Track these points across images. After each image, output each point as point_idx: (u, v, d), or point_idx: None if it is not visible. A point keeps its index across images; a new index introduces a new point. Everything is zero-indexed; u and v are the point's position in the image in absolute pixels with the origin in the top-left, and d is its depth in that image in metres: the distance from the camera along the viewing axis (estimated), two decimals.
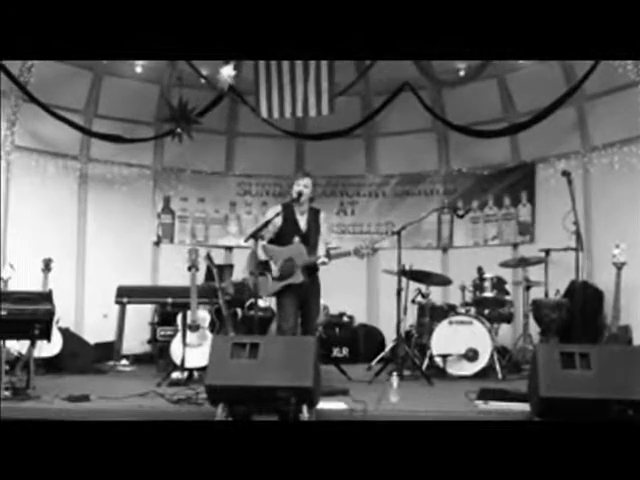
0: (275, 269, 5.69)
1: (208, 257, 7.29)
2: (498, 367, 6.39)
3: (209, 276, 7.66)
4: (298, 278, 5.68)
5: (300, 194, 5.76)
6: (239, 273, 8.17)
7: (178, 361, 6.03)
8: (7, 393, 4.85)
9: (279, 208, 5.88)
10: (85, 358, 7.13)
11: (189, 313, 6.26)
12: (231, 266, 8.51)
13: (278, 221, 5.80)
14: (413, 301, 7.13)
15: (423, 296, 7.13)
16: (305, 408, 4.02)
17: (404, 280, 6.65)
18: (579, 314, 6.14)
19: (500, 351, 6.79)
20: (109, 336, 7.89)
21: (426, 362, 6.54)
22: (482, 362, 6.44)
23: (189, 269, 6.33)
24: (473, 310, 6.89)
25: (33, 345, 5.32)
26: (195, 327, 6.24)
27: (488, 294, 7.01)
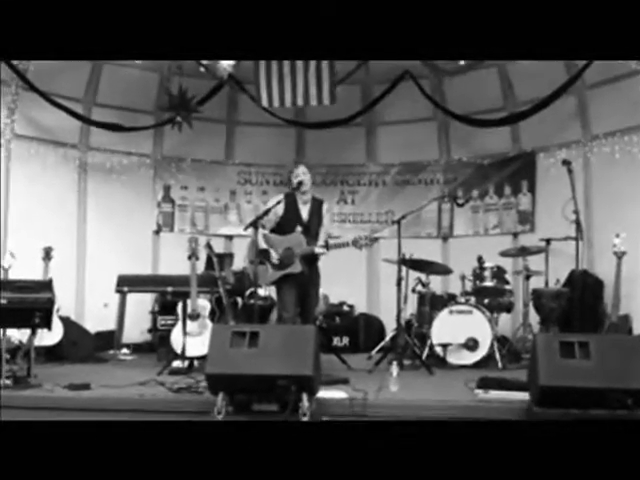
0: (274, 257, 5.71)
1: (208, 246, 7.30)
2: (498, 356, 6.39)
3: (209, 265, 7.66)
4: (297, 268, 5.69)
5: (301, 183, 5.78)
6: (239, 262, 8.18)
7: (178, 350, 6.05)
8: (8, 381, 4.87)
9: (281, 196, 5.89)
10: (86, 347, 7.15)
11: (189, 302, 6.27)
12: (231, 255, 8.51)
13: (280, 210, 5.82)
14: (413, 290, 7.14)
15: (423, 285, 7.13)
16: (305, 397, 4.03)
17: (404, 269, 6.65)
18: (579, 303, 6.15)
19: (500, 340, 6.79)
20: (110, 325, 7.91)
21: (426, 351, 6.55)
22: (482, 351, 6.45)
23: (189, 258, 6.33)
24: (473, 299, 6.89)
25: (34, 334, 5.33)
26: (195, 316, 6.24)
27: (488, 283, 7.00)
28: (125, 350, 7.73)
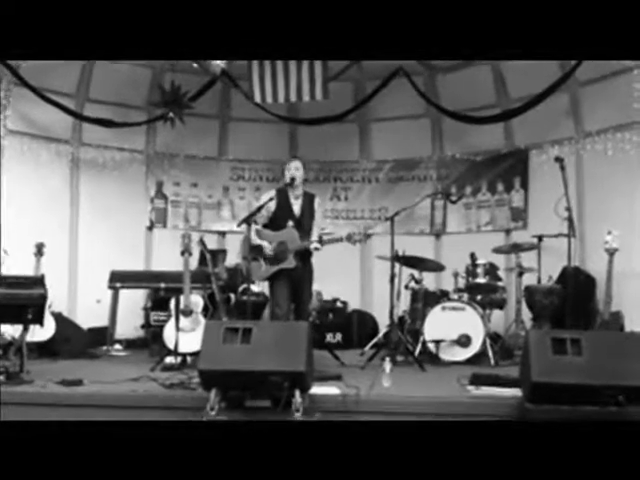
0: (268, 250, 5.71)
1: (201, 242, 7.28)
2: (490, 353, 6.41)
3: (202, 261, 7.66)
4: (290, 263, 5.70)
5: (293, 178, 5.80)
6: (232, 258, 8.17)
7: (171, 346, 6.04)
8: (1, 377, 4.86)
9: (273, 193, 5.90)
10: (78, 343, 7.13)
11: (182, 298, 6.26)
12: (224, 251, 8.50)
13: (272, 206, 5.83)
14: (406, 287, 7.15)
15: (416, 282, 7.15)
16: (298, 393, 4.03)
17: (397, 266, 6.66)
18: (571, 300, 6.16)
19: (492, 337, 6.82)
20: (102, 321, 7.89)
21: (419, 348, 6.56)
22: (474, 348, 6.47)
23: (182, 254, 6.32)
24: (466, 296, 6.91)
25: (26, 329, 5.32)
26: (188, 312, 6.24)
27: (481, 280, 7.02)
28: (118, 346, 7.71)
